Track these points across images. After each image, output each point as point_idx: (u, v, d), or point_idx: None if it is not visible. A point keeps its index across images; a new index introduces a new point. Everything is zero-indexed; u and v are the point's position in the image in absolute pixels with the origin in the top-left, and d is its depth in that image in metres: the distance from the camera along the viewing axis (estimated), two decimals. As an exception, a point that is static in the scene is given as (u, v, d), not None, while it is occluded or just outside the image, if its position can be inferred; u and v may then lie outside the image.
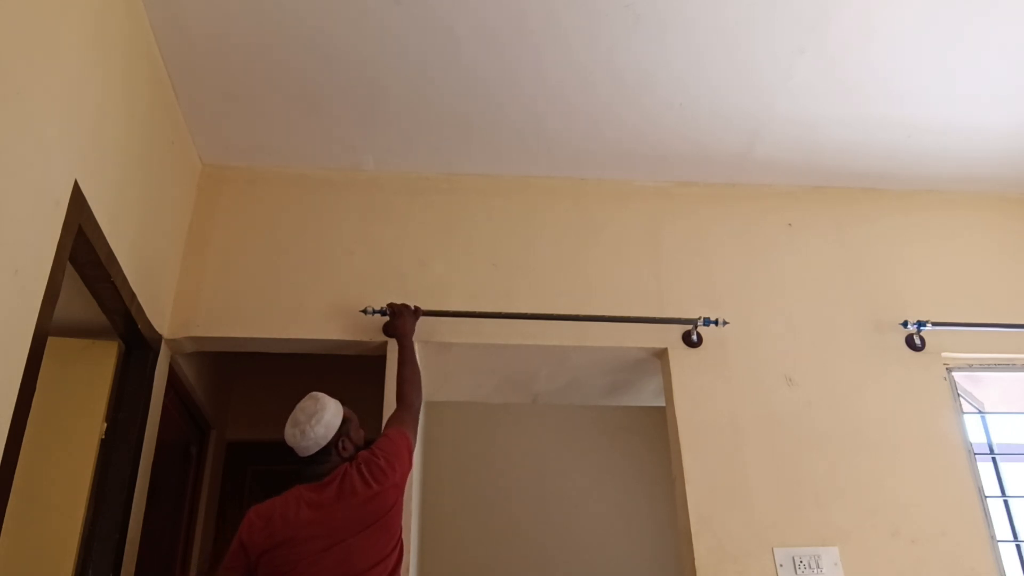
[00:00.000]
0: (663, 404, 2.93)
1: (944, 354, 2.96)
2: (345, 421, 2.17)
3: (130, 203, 2.32)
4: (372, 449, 2.16)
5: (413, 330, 2.66)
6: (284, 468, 4.05)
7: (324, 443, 2.10)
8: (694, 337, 2.88)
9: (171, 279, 2.78)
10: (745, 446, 2.72)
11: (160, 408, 2.72)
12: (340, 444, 2.13)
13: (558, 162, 3.11)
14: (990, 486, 2.81)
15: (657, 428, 3.58)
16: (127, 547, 2.44)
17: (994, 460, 2.90)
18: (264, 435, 3.99)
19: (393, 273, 2.92)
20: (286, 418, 4.23)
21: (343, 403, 4.01)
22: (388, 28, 2.42)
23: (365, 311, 2.75)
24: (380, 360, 2.79)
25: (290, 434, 2.13)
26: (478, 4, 2.33)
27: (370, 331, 2.79)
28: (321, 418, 2.11)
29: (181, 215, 2.87)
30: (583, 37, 2.47)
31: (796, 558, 2.54)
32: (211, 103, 2.74)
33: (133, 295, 2.35)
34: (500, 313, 2.82)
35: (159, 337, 2.67)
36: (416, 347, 2.80)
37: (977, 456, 2.83)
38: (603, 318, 2.86)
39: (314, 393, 2.20)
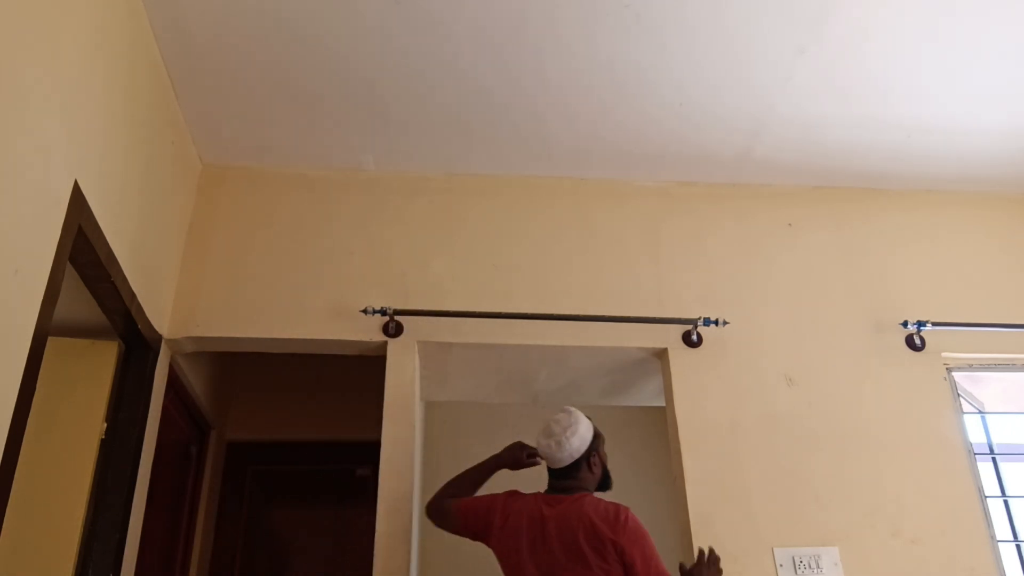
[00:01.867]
0: (663, 404, 2.93)
1: (944, 354, 2.96)
2: (596, 436, 2.24)
3: (130, 203, 2.32)
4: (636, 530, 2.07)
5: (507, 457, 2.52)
6: (284, 468, 4.08)
7: (577, 456, 2.18)
8: (694, 337, 2.88)
9: (171, 279, 2.78)
10: (745, 446, 2.72)
11: (160, 408, 2.71)
12: (591, 459, 2.20)
13: (558, 162, 3.11)
14: (990, 486, 2.81)
15: (657, 428, 3.58)
16: (127, 547, 2.44)
17: (994, 460, 2.90)
18: (264, 435, 4.01)
19: (393, 273, 2.92)
20: (286, 418, 4.25)
21: (342, 402, 4.05)
22: (388, 28, 2.41)
23: (365, 311, 2.75)
24: (380, 360, 2.79)
25: (544, 445, 2.20)
26: (478, 4, 2.33)
27: (370, 331, 2.79)
28: (576, 431, 2.19)
29: (181, 215, 2.87)
30: (582, 37, 2.47)
31: (796, 558, 2.54)
32: (211, 103, 2.74)
33: (133, 295, 2.34)
34: (500, 313, 2.81)
35: (159, 337, 2.66)
36: (416, 347, 2.82)
37: (977, 456, 2.83)
38: (603, 318, 2.86)
39: (568, 407, 2.27)
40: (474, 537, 2.27)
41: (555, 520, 2.09)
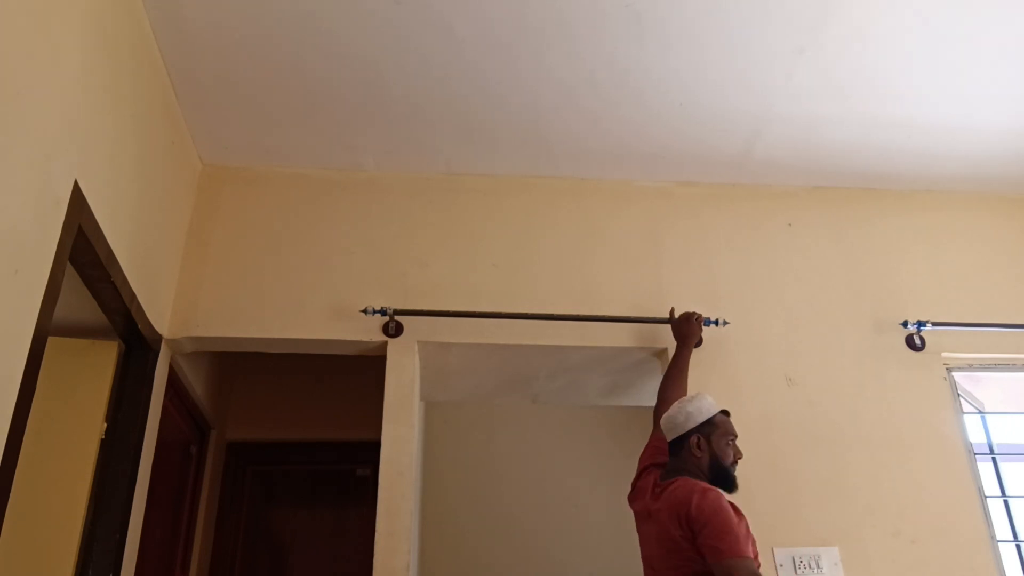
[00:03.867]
0: (663, 404, 2.93)
1: (944, 354, 2.96)
2: (710, 423, 2.13)
3: (130, 203, 2.32)
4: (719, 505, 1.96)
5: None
6: (284, 468, 4.08)
7: (681, 432, 2.12)
8: (694, 337, 2.88)
9: (171, 279, 2.78)
10: (745, 446, 2.69)
11: (160, 408, 2.72)
12: (695, 440, 2.11)
13: (558, 162, 3.10)
14: (990, 486, 2.81)
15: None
16: (127, 547, 2.44)
17: (994, 460, 2.90)
18: (264, 435, 4.01)
19: (393, 273, 2.92)
20: (286, 418, 4.26)
21: (342, 402, 4.03)
22: (389, 28, 2.41)
23: (365, 311, 2.75)
24: (380, 360, 2.79)
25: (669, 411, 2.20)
26: (479, 4, 2.33)
27: (370, 331, 2.79)
28: (689, 403, 2.14)
29: (181, 215, 2.87)
30: (584, 37, 2.47)
31: (796, 558, 2.54)
32: (211, 103, 2.74)
33: (133, 295, 2.34)
34: (500, 313, 2.81)
35: (159, 337, 2.66)
36: (416, 347, 2.81)
37: (977, 456, 2.83)
38: (603, 318, 2.86)
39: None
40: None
41: (654, 503, 2.09)
